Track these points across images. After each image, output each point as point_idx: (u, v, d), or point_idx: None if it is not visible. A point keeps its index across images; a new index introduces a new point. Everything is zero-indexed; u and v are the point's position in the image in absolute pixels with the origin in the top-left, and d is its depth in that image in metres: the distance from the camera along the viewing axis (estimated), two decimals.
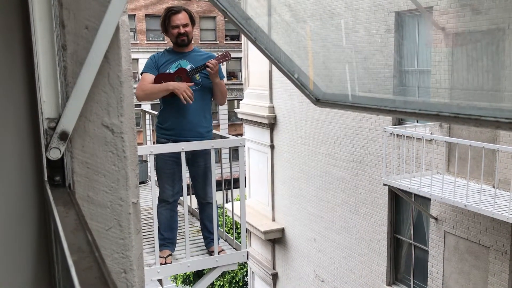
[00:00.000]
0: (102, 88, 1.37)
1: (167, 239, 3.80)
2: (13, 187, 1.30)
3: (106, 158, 1.40)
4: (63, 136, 1.30)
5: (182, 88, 3.60)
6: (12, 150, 1.31)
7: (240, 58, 21.25)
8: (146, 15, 28.36)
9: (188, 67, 3.75)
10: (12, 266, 1.25)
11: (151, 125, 6.23)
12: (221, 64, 3.77)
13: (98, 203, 1.41)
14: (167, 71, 3.74)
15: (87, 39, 1.33)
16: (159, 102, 3.90)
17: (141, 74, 3.82)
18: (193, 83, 3.72)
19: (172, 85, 3.63)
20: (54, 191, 1.26)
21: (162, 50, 3.96)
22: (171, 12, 3.75)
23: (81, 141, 1.37)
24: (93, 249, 0.87)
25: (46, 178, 1.31)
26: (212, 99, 3.92)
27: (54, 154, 1.30)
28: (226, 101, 3.99)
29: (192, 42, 3.90)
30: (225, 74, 4.04)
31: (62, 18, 1.31)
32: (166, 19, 3.76)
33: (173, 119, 3.76)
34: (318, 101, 1.95)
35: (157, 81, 3.71)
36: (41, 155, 1.32)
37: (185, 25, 3.74)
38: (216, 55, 3.82)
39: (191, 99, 3.62)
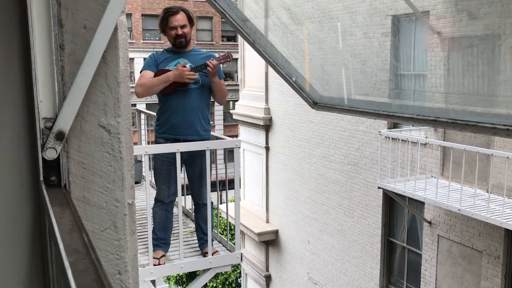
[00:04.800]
0: (99, 88, 1.37)
1: (161, 239, 3.79)
2: (8, 186, 1.29)
3: (102, 159, 1.39)
4: (60, 136, 1.30)
5: (182, 74, 3.60)
6: (8, 150, 1.30)
7: (236, 59, 21.25)
8: (142, 15, 28.31)
9: (187, 66, 3.74)
10: (5, 266, 1.24)
11: (146, 125, 6.21)
12: (221, 64, 3.77)
13: (93, 204, 1.40)
14: (167, 67, 3.73)
15: (85, 39, 1.32)
16: (157, 102, 3.89)
17: (141, 72, 3.81)
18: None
19: (171, 74, 3.62)
20: (49, 191, 1.25)
21: (158, 49, 3.95)
22: (169, 13, 3.73)
23: (78, 141, 1.36)
24: (89, 251, 0.87)
25: (41, 178, 1.30)
26: (212, 99, 3.91)
27: (50, 154, 1.30)
28: (225, 101, 3.98)
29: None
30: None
31: (61, 17, 1.30)
32: (164, 20, 3.74)
33: (171, 117, 3.75)
34: (315, 104, 1.95)
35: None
36: (37, 154, 1.31)
37: (183, 26, 3.72)
38: (217, 56, 3.82)
39: (194, 75, 3.65)
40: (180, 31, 3.71)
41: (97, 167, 1.39)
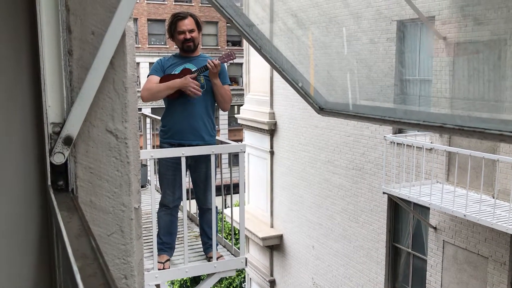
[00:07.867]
0: (107, 93, 1.38)
1: (166, 243, 3.79)
2: (16, 190, 1.30)
3: (109, 164, 1.40)
4: (67, 141, 1.30)
5: (188, 84, 3.60)
6: (16, 154, 1.31)
7: (241, 64, 21.29)
8: (148, 19, 28.43)
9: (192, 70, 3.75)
10: (14, 270, 1.25)
11: (151, 129, 6.23)
12: (225, 64, 3.76)
13: (100, 208, 1.41)
14: (173, 72, 3.74)
15: (93, 45, 1.33)
16: (163, 106, 3.90)
17: (148, 76, 3.83)
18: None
19: (178, 82, 3.63)
20: (57, 195, 1.26)
21: (165, 54, 3.96)
22: (177, 18, 3.75)
23: (85, 146, 1.37)
24: (97, 255, 0.87)
25: (49, 183, 1.31)
26: (216, 104, 3.91)
27: (58, 159, 1.30)
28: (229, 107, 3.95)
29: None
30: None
31: (69, 23, 1.31)
32: (173, 25, 3.77)
33: (175, 122, 3.76)
34: (321, 110, 1.95)
35: (162, 82, 3.72)
36: (45, 159, 1.32)
37: (191, 31, 3.75)
38: (221, 55, 3.82)
39: (199, 91, 3.63)
40: (188, 35, 3.73)
41: (104, 171, 1.40)
